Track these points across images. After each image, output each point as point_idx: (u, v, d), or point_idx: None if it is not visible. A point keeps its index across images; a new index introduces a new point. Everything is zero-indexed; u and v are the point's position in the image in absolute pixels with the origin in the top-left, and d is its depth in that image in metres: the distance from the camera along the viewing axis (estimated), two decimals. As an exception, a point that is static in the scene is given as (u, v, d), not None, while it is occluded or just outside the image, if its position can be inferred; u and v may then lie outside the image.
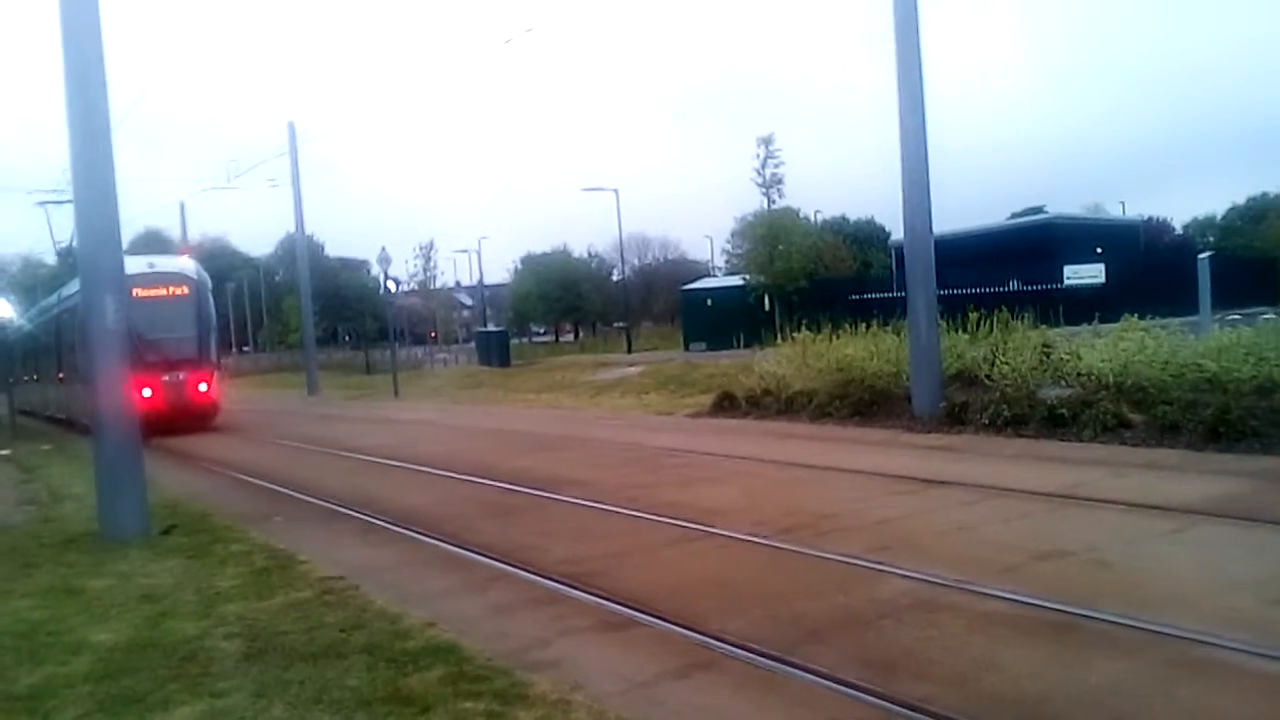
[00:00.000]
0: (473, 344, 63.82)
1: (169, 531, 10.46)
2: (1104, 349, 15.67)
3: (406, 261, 78.58)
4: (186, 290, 24.81)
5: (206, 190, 64.50)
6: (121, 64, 10.83)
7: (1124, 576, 7.02)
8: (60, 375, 27.88)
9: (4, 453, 21.80)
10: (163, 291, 24.16)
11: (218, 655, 6.17)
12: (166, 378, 23.64)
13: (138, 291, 21.57)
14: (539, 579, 7.87)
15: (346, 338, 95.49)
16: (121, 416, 10.39)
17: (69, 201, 29.14)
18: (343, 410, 32.65)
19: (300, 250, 46.77)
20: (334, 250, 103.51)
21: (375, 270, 67.70)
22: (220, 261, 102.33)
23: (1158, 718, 4.69)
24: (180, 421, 23.09)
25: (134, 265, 21.51)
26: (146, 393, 20.56)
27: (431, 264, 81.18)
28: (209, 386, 25.22)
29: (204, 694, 5.46)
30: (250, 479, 15.46)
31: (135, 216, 60.78)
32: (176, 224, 62.39)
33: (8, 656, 6.36)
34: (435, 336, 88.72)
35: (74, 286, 24.72)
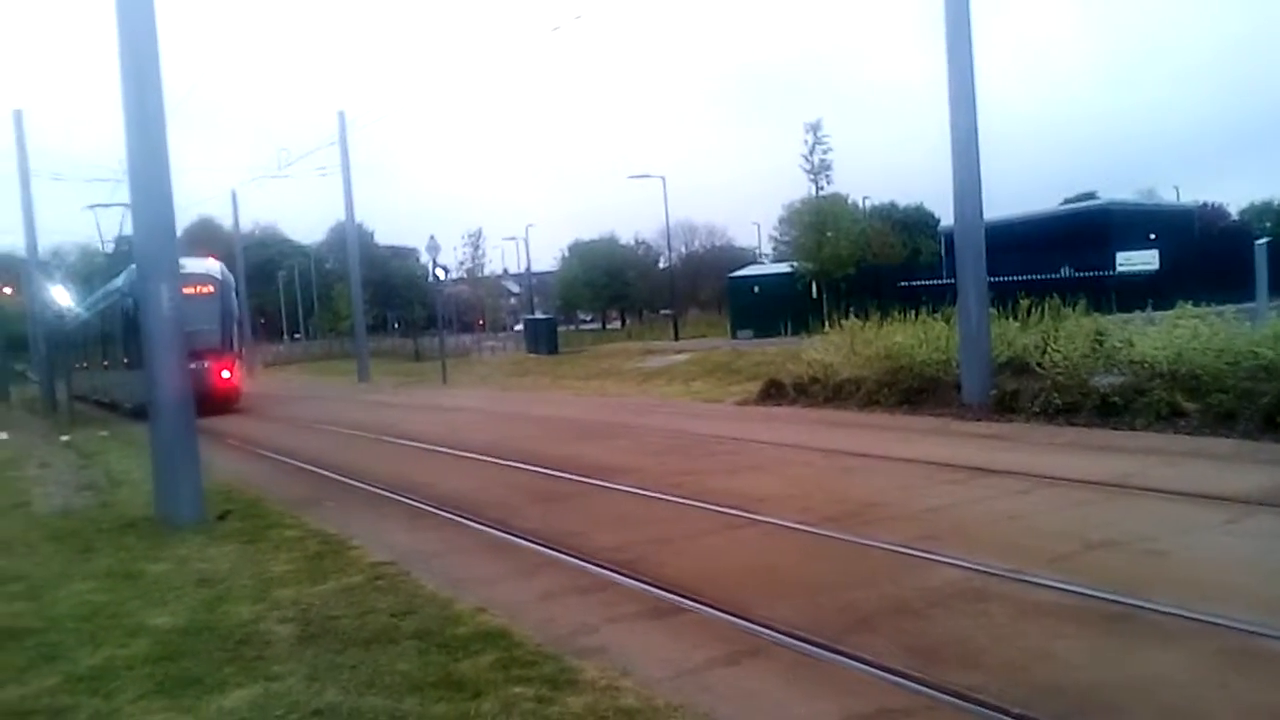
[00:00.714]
0: (520, 331, 64.14)
1: (224, 517, 10.62)
2: (1157, 336, 15.43)
3: (455, 249, 79.07)
4: (212, 289, 27.17)
5: (258, 179, 65.41)
6: (175, 54, 10.97)
7: (1177, 567, 6.94)
8: (106, 363, 30.19)
9: (64, 438, 22.24)
10: (191, 290, 24.79)
11: (272, 639, 6.27)
12: (193, 366, 23.43)
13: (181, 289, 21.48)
14: (586, 565, 7.92)
15: (395, 325, 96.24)
16: (177, 404, 10.56)
17: (118, 205, 30.36)
18: (392, 397, 32.94)
19: (350, 238, 47.20)
20: (383, 238, 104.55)
21: (424, 258, 68.17)
22: (271, 249, 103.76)
23: (1211, 709, 4.64)
24: (205, 404, 23.14)
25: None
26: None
27: (479, 252, 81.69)
28: (231, 374, 27.86)
29: (259, 677, 5.55)
30: (301, 465, 15.67)
31: (188, 205, 61.34)
32: (228, 212, 63.46)
33: (70, 638, 6.50)
34: (483, 324, 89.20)
35: (117, 282, 28.36)
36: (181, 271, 24.11)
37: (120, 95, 10.35)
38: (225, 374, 27.23)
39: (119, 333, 27.79)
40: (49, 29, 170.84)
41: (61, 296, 45.55)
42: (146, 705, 5.23)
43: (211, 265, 28.24)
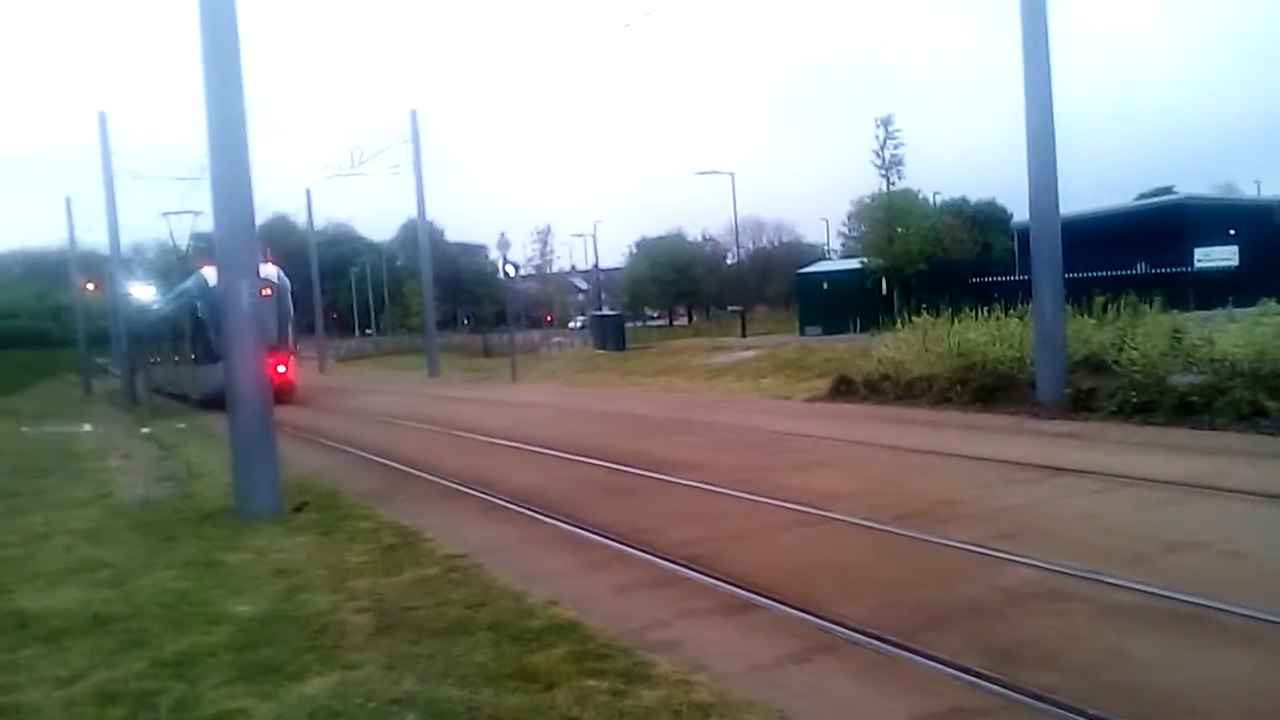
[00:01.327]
0: (587, 328, 64.38)
1: (300, 508, 10.81)
2: (1238, 334, 15.08)
3: (523, 246, 79.89)
4: (270, 292, 28.00)
5: (332, 177, 66.04)
6: (253, 53, 11.21)
7: (1259, 569, 6.80)
8: (176, 359, 32.89)
9: (145, 430, 22.77)
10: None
11: (349, 628, 6.38)
12: None
13: None
14: (657, 560, 7.94)
15: (465, 321, 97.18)
16: (255, 397, 10.77)
17: (189, 212, 31.79)
18: (461, 392, 33.26)
19: (421, 235, 47.66)
20: (453, 235, 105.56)
21: (494, 255, 68.71)
22: (344, 247, 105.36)
23: (1296, 715, 4.55)
24: None
25: None
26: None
27: (548, 248, 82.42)
28: (286, 368, 30.28)
29: (337, 665, 5.65)
30: (375, 458, 15.88)
31: (264, 202, 62.19)
32: (303, 210, 64.23)
33: (155, 625, 6.67)
34: (551, 320, 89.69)
35: (187, 284, 31.80)
36: None
37: (202, 96, 10.58)
38: (281, 369, 29.21)
39: (188, 331, 30.78)
40: (132, 30, 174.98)
41: (141, 293, 46.70)
42: (229, 691, 5.35)
43: (270, 270, 29.78)
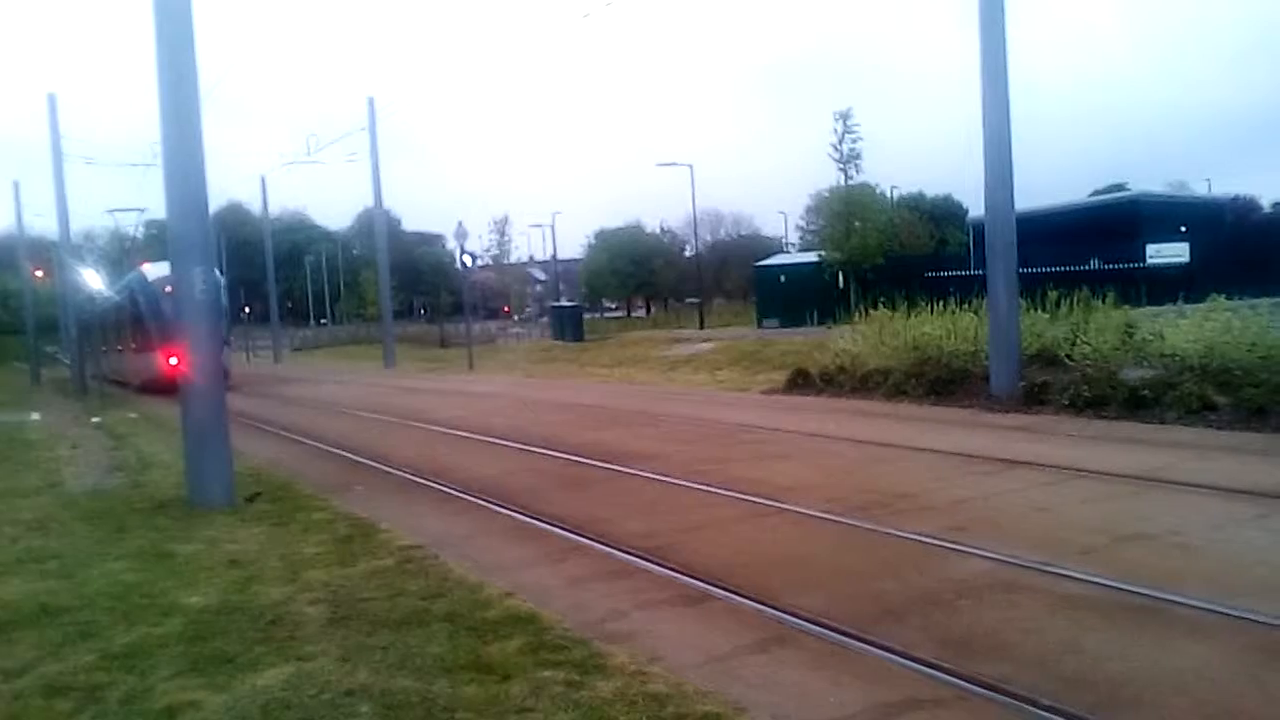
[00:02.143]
0: (545, 318, 64.22)
1: (253, 499, 10.71)
2: (1189, 329, 15.32)
3: (481, 236, 79.35)
4: None
5: (287, 164, 65.37)
6: (207, 40, 11.05)
7: (1208, 561, 6.90)
8: (119, 348, 34.54)
9: (95, 420, 22.45)
10: None
11: (303, 620, 6.32)
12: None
13: (170, 289, 25.27)
14: (614, 551, 7.94)
15: (422, 311, 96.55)
16: (209, 387, 10.64)
17: (134, 210, 32.46)
18: (418, 383, 33.08)
19: (378, 224, 47.37)
20: (411, 224, 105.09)
21: (451, 244, 68.30)
22: (299, 235, 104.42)
23: (1243, 704, 4.61)
24: None
25: (164, 270, 27.20)
26: (173, 360, 26.11)
27: (506, 238, 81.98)
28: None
29: (291, 657, 5.60)
30: (330, 449, 15.77)
31: (218, 190, 62.03)
32: (258, 198, 63.59)
33: (105, 616, 6.57)
34: (509, 310, 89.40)
35: (129, 278, 33.32)
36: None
37: (155, 81, 10.41)
38: None
39: (127, 323, 32.21)
40: (84, 13, 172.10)
41: (92, 280, 45.97)
42: (181, 683, 5.29)
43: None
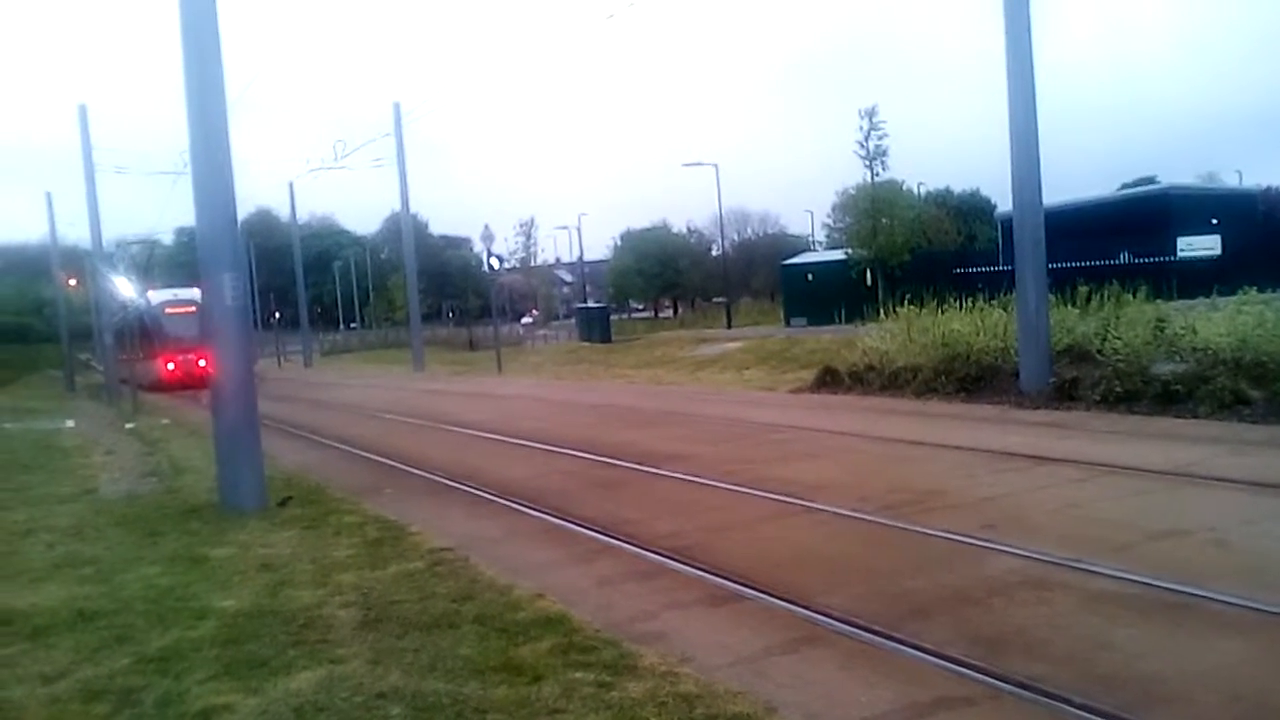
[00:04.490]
0: (572, 320, 64.31)
1: (285, 503, 10.79)
2: (1221, 323, 15.15)
3: (507, 239, 79.79)
4: (195, 309, 37.59)
5: (315, 170, 65.77)
6: (234, 46, 11.13)
7: (1243, 557, 6.83)
8: (135, 356, 39.22)
9: (129, 426, 22.67)
10: (182, 310, 40.39)
11: (335, 623, 6.36)
12: (183, 357, 39.44)
13: (169, 310, 41.07)
14: (643, 552, 7.95)
15: (450, 314, 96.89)
16: (240, 391, 10.72)
17: (146, 241, 36.29)
18: (447, 385, 33.20)
19: (405, 228, 47.55)
20: (438, 228, 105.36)
21: (478, 247, 68.78)
22: (327, 240, 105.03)
23: (1276, 699, 4.57)
24: (189, 383, 36.68)
25: (165, 295, 43.31)
26: (170, 366, 39.42)
27: (532, 241, 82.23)
28: (208, 363, 37.42)
29: (323, 660, 5.64)
30: (360, 452, 15.85)
31: (247, 196, 62.61)
32: (286, 203, 64.00)
33: (140, 620, 6.64)
34: (535, 312, 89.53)
35: (139, 300, 41.74)
36: (176, 299, 39.63)
37: (183, 90, 10.51)
38: (202, 363, 39.09)
39: (137, 335, 39.66)
40: (113, 22, 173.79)
41: (124, 288, 46.53)
42: (215, 686, 5.33)
43: (195, 293, 38.09)
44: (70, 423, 25.17)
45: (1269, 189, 69.51)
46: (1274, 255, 36.09)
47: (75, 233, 55.75)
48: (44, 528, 10.26)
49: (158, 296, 43.28)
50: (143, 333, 40.75)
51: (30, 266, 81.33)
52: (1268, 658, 5.04)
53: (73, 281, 52.83)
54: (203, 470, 13.05)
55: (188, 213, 11.24)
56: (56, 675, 5.68)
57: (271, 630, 6.25)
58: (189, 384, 36.94)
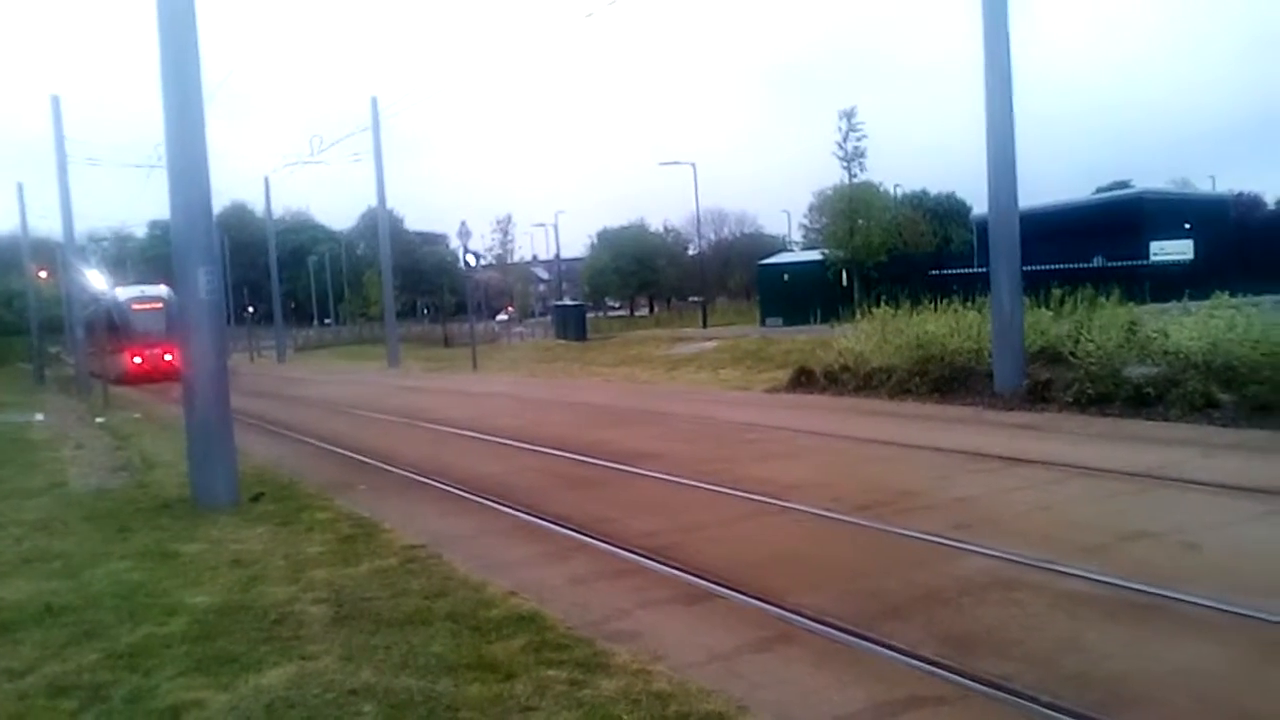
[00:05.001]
0: (548, 318, 64.21)
1: (257, 499, 10.72)
2: (1192, 327, 15.28)
3: (484, 236, 79.47)
4: (161, 305, 41.93)
5: (291, 165, 65.47)
6: (211, 40, 11.06)
7: (1212, 559, 6.89)
8: (108, 349, 40.17)
9: (100, 420, 22.48)
10: (148, 306, 42.90)
11: (307, 619, 6.33)
12: (149, 352, 40.81)
13: (135, 306, 43.11)
14: (617, 550, 7.95)
15: (425, 311, 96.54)
16: (212, 387, 10.63)
17: (115, 234, 36.99)
18: (422, 382, 33.08)
19: (381, 224, 47.36)
20: (414, 224, 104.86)
21: (454, 244, 68.60)
22: (302, 235, 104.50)
23: (1245, 700, 4.61)
24: (155, 375, 38.72)
25: (132, 292, 45.43)
26: (137, 359, 41.00)
27: (509, 238, 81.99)
28: (173, 357, 37.56)
29: (295, 656, 5.62)
30: (333, 448, 15.78)
31: (222, 190, 62.10)
32: (261, 198, 63.68)
33: (109, 616, 6.59)
34: (511, 309, 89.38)
35: (108, 297, 44.84)
36: (143, 295, 41.47)
37: (159, 82, 10.42)
38: (168, 357, 37.96)
39: (105, 330, 40.38)
40: (88, 12, 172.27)
41: (96, 281, 46.35)
42: (185, 682, 5.30)
43: (161, 290, 43.20)
44: (40, 416, 24.94)
45: (1240, 195, 70.30)
46: (1245, 260, 36.47)
47: (47, 225, 55.16)
48: (12, 522, 10.18)
49: (125, 293, 45.56)
50: (110, 328, 41.52)
51: (1, 258, 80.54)
52: (1235, 659, 5.09)
53: (44, 274, 52.37)
54: (174, 465, 12.95)
55: (161, 206, 11.25)
56: (23, 671, 5.64)
57: (243, 626, 6.22)
58: (154, 377, 38.90)
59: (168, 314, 41.41)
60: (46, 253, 53.00)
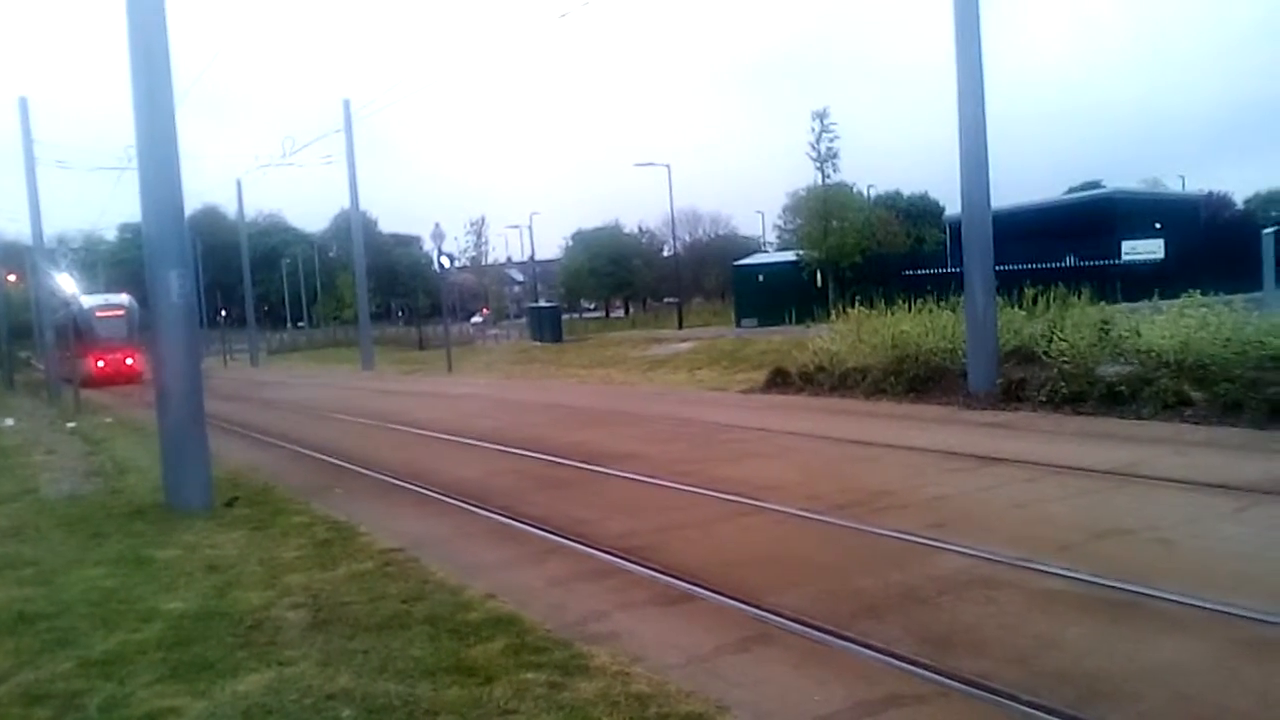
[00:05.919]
0: (523, 319, 64.11)
1: (232, 503, 10.65)
2: (1164, 325, 15.41)
3: (458, 238, 79.24)
4: (123, 312, 46.04)
5: (263, 167, 65.05)
6: (182, 41, 10.97)
7: (1186, 555, 6.95)
8: (73, 354, 40.31)
9: (71, 425, 22.27)
10: (111, 313, 46.06)
11: (284, 625, 6.29)
12: (111, 356, 43.91)
13: (99, 313, 45.70)
14: (595, 552, 7.94)
15: (400, 313, 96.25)
16: (186, 391, 10.55)
17: (78, 242, 38.45)
18: (397, 385, 32.98)
19: (355, 226, 47.17)
20: (387, 226, 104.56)
21: (428, 246, 68.30)
22: (275, 238, 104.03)
23: (1220, 697, 4.65)
24: (117, 378, 42.33)
25: (96, 300, 48.79)
26: (100, 363, 42.93)
27: (483, 240, 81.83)
28: (134, 361, 43.90)
29: (272, 662, 5.58)
30: (308, 452, 15.70)
31: (194, 192, 61.76)
32: (234, 200, 63.27)
33: (83, 622, 6.53)
34: (486, 311, 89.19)
35: (73, 303, 46.74)
36: (106, 303, 49.98)
37: (129, 83, 10.34)
38: (129, 361, 44.04)
39: (70, 336, 39.96)
40: (56, 15, 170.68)
41: (66, 285, 46.10)
42: (161, 689, 5.26)
43: (124, 298, 47.48)
44: (10, 421, 24.67)
45: (1211, 194, 71.03)
46: (1216, 259, 36.73)
47: (15, 228, 54.67)
48: (-17, 528, 10.06)
49: (89, 301, 48.83)
50: (76, 333, 42.06)
51: (-31, 262, 79.70)
52: (1211, 655, 5.13)
53: (12, 277, 51.84)
54: (147, 470, 12.84)
55: (132, 209, 11.10)
56: (-4, 679, 5.57)
57: (219, 632, 6.17)
58: (117, 380, 42.31)
59: (129, 321, 45.69)
60: (15, 256, 52.50)
